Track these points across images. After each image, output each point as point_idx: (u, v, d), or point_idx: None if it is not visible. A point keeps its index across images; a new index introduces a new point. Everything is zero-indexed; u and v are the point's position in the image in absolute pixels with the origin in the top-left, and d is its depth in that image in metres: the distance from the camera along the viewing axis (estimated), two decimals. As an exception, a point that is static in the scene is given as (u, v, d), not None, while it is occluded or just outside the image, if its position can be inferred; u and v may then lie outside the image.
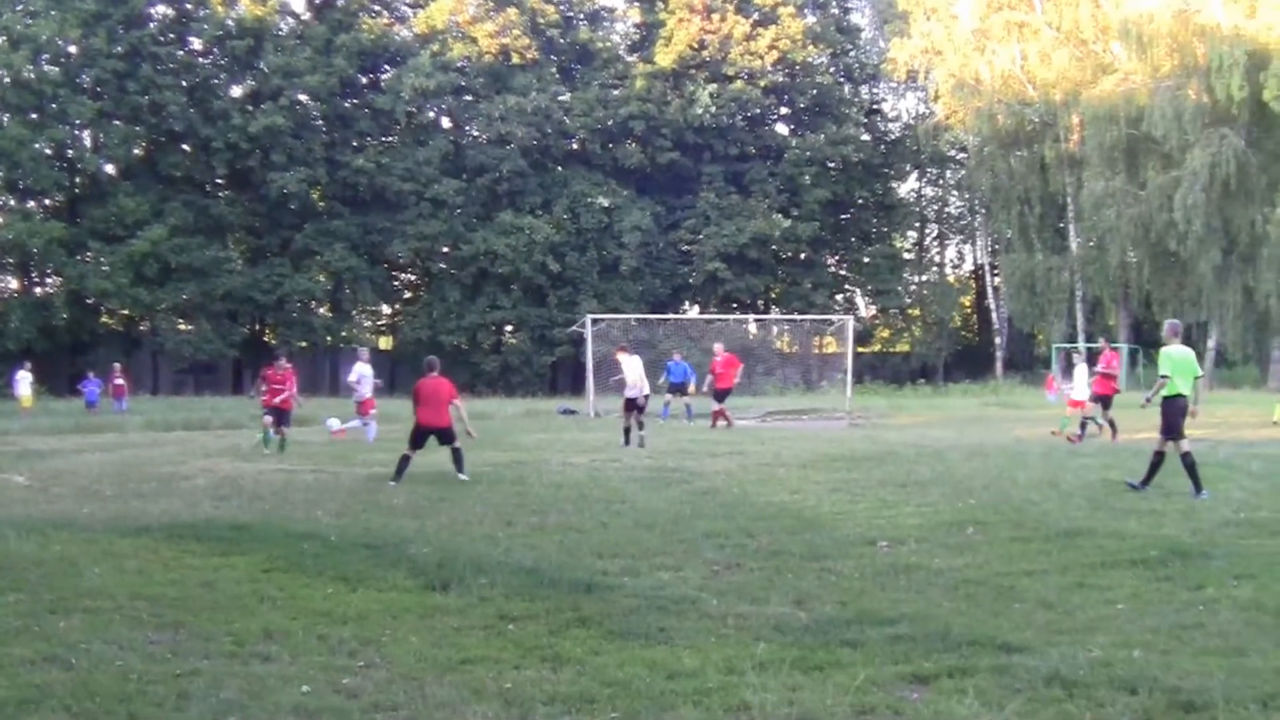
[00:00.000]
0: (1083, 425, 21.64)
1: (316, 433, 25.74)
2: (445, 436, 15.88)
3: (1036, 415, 29.00)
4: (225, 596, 8.27)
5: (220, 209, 53.35)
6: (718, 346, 27.78)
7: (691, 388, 29.91)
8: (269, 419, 20.65)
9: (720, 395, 26.42)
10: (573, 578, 8.71)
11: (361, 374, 22.48)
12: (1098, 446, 19.94)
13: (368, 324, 63.45)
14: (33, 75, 49.32)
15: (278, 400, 20.76)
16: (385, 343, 64.77)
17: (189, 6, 53.33)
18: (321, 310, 56.69)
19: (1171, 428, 13.32)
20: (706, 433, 24.86)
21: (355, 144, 56.21)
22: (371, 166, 54.04)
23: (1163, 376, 13.48)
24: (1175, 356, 13.56)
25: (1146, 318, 52.51)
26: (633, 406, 21.83)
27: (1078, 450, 19.20)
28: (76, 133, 52.13)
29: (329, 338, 55.03)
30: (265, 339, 57.41)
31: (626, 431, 21.44)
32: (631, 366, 22.42)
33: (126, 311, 52.37)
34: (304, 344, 54.23)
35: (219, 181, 55.52)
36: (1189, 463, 13.10)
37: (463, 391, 49.68)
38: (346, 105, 56.12)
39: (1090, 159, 49.40)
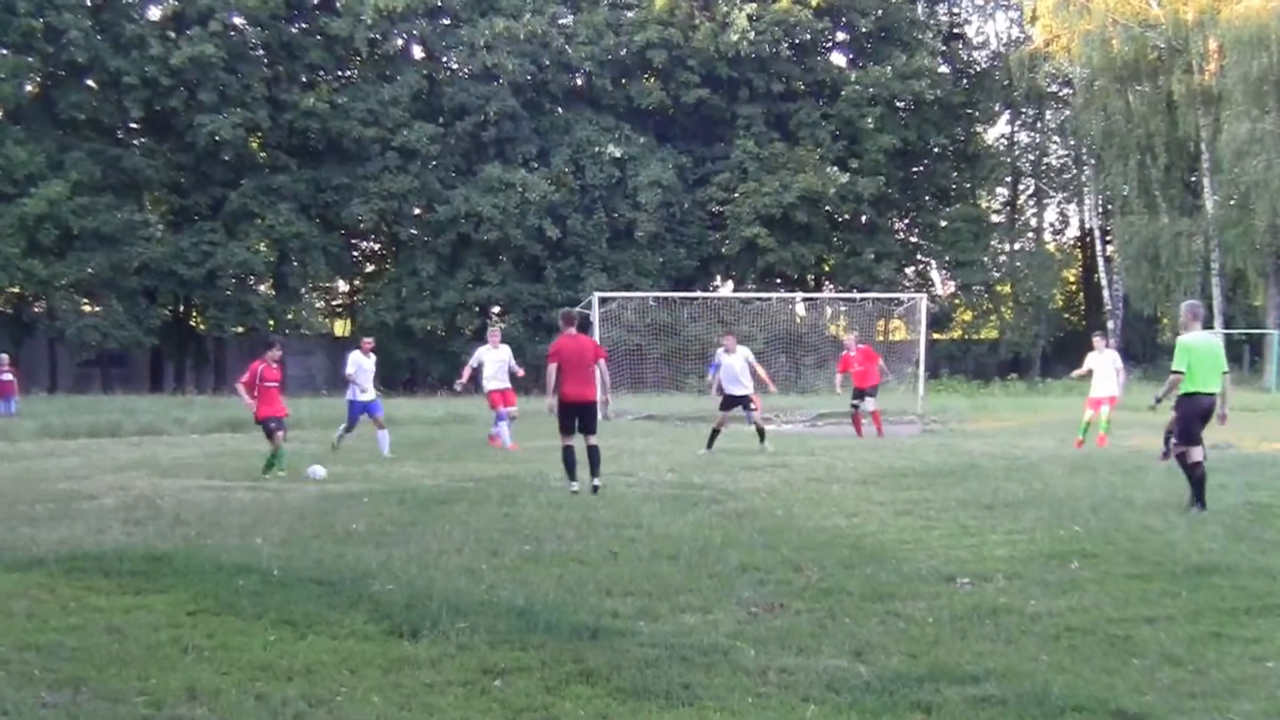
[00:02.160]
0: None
1: (255, 440, 25.82)
2: (588, 420, 16.13)
3: (1162, 421, 28.84)
4: (138, 646, 8.23)
5: (134, 161, 53.50)
6: (850, 337, 27.91)
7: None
8: (281, 433, 19.44)
9: (862, 394, 26.55)
10: (574, 621, 8.68)
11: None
12: (1237, 460, 19.84)
13: (320, 305, 63.71)
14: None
15: (277, 407, 19.64)
16: (341, 328, 65.01)
17: (95, -94, 53.52)
18: (262, 288, 56.87)
19: (1187, 432, 13.83)
20: (746, 441, 24.83)
21: (304, 79, 56.36)
22: (324, 108, 54.17)
23: (1176, 371, 13.86)
24: (1195, 347, 13.88)
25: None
26: (733, 404, 22.89)
27: (1211, 465, 19.13)
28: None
29: (271, 322, 55.21)
30: (192, 323, 57.68)
31: (713, 434, 22.44)
32: (731, 364, 22.99)
33: (16, 289, 52.59)
34: (239, 329, 54.43)
35: (133, 126, 55.73)
36: (1198, 475, 13.70)
37: (438, 389, 49.91)
38: (293, 31, 56.23)
39: (1231, 94, 49.17)
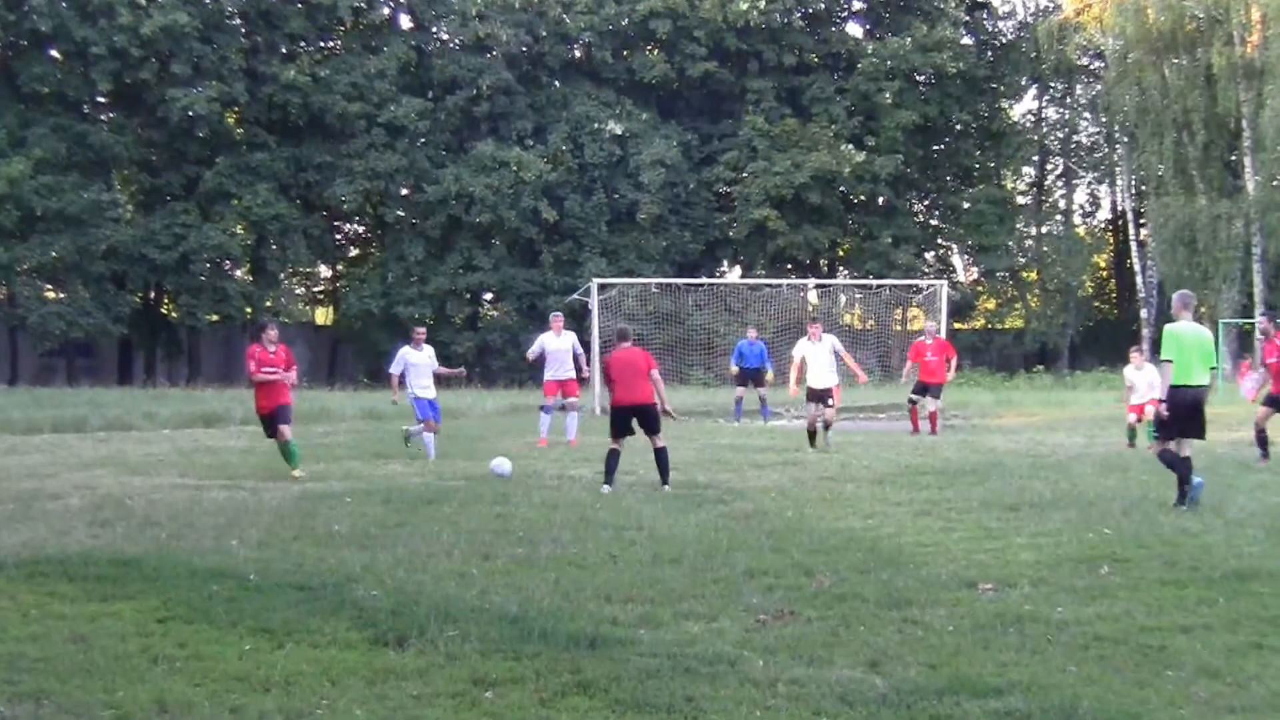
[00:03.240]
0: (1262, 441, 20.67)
1: (229, 435, 25.84)
2: (649, 420, 16.92)
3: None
4: (105, 656, 8.25)
5: (102, 137, 53.38)
6: (930, 325, 27.88)
7: (769, 376, 30.70)
8: (286, 429, 18.82)
9: (925, 390, 26.51)
10: (571, 629, 8.71)
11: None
12: (1278, 458, 19.84)
13: (300, 291, 63.73)
14: None
15: (277, 398, 18.91)
16: (323, 316, 65.06)
17: None
18: (239, 273, 56.77)
19: (1173, 424, 14.21)
20: (754, 438, 24.86)
21: (284, 51, 56.23)
22: (306, 81, 54.07)
23: (1166, 361, 14.20)
24: (1184, 336, 14.21)
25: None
26: (819, 398, 22.46)
27: (1251, 463, 19.13)
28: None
29: (248, 309, 55.13)
30: (163, 311, 57.67)
31: (811, 434, 22.23)
32: (818, 354, 22.62)
33: (-24, 274, 52.54)
34: (214, 317, 54.42)
35: (101, 100, 55.62)
36: (1180, 469, 14.20)
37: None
38: (272, -1, 56.20)
39: (1275, 68, 49.13)
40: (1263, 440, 19.66)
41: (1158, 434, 14.57)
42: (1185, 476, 14.20)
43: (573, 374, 24.07)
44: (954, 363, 27.30)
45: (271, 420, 18.89)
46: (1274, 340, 19.90)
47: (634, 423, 16.96)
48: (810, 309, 50.56)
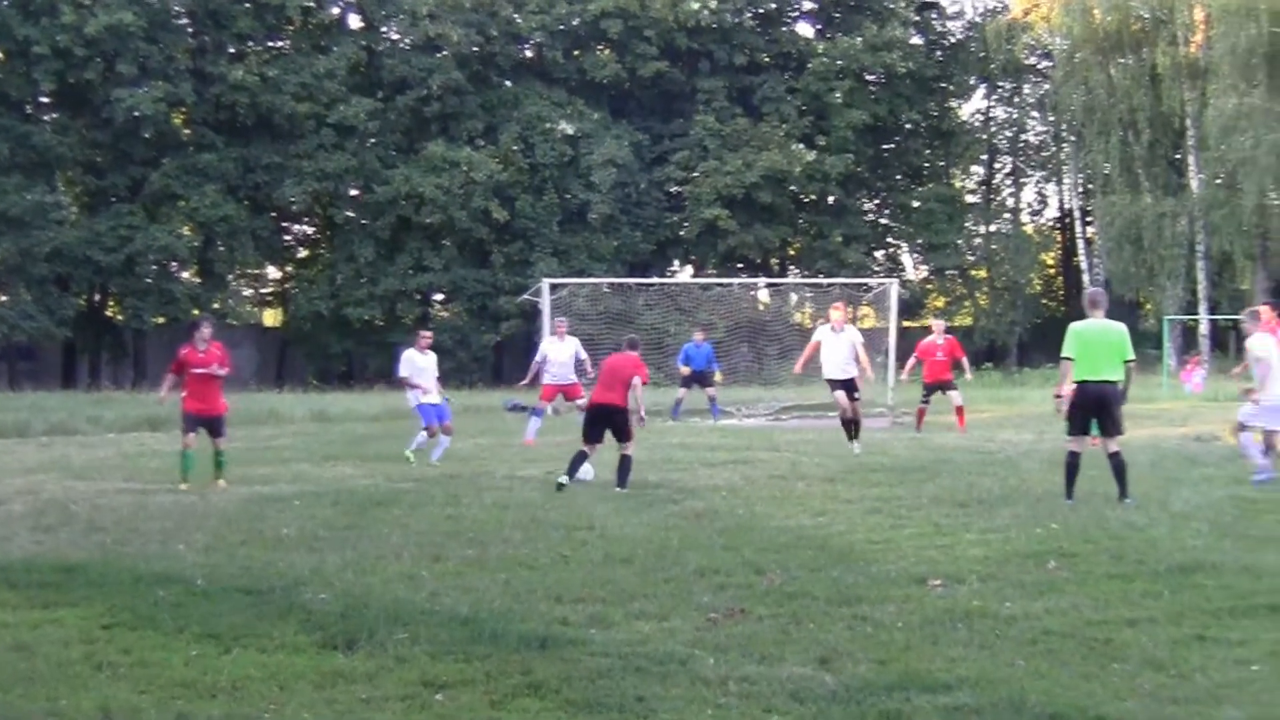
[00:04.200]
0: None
1: (177, 439, 25.62)
2: (619, 426, 16.84)
3: (1144, 411, 29.14)
4: (48, 664, 8.19)
5: (45, 138, 52.89)
6: (938, 324, 27.86)
7: (718, 376, 30.69)
8: (192, 435, 17.94)
9: (932, 390, 26.48)
10: (522, 630, 8.71)
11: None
12: (1223, 453, 20.00)
13: (248, 293, 63.33)
14: None
15: (207, 402, 18.05)
16: (272, 317, 64.70)
17: None
18: (186, 275, 56.41)
19: (1076, 419, 14.48)
20: (704, 436, 24.88)
21: (232, 50, 55.88)
22: (254, 81, 53.72)
23: (1064, 358, 14.55)
24: (1084, 333, 14.52)
25: (1295, 279, 52.67)
26: (844, 388, 21.27)
27: (1196, 458, 19.29)
28: None
29: (195, 311, 54.51)
30: (108, 313, 57.17)
31: (848, 425, 21.34)
32: (838, 345, 21.51)
33: (-85, 277, 52.00)
34: (160, 319, 53.97)
35: (44, 100, 55.15)
36: (1069, 463, 14.45)
37: (378, 382, 49.62)
38: (219, -2, 55.83)
39: (1218, 68, 49.52)
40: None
41: (1069, 431, 14.75)
42: (1071, 483, 14.41)
43: (574, 380, 23.94)
44: (965, 362, 27.38)
45: (198, 423, 17.93)
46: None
47: (606, 432, 16.89)
48: (762, 307, 50.69)
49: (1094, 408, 14.43)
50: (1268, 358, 16.72)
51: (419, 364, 21.08)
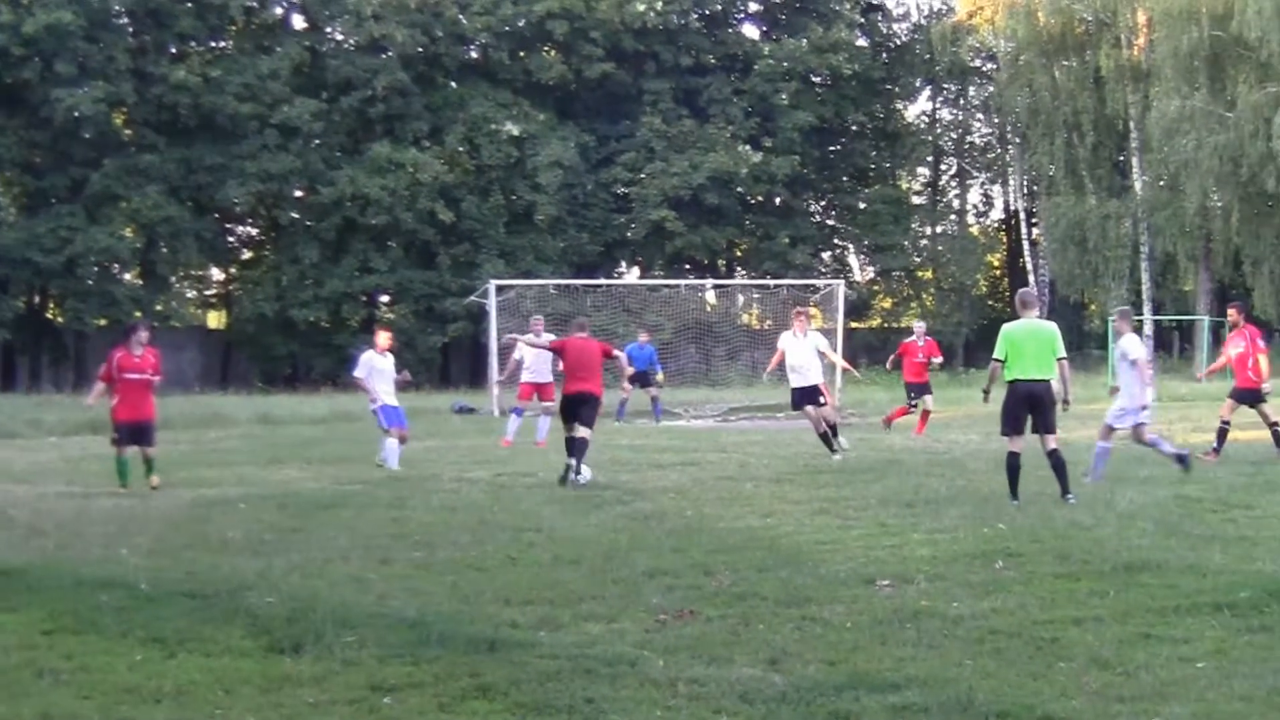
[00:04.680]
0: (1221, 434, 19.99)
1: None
2: (586, 414, 17.41)
3: (1089, 412, 29.29)
4: (-10, 668, 8.14)
5: (-16, 138, 52.54)
6: (919, 325, 27.94)
7: (660, 378, 30.70)
8: (151, 450, 17.85)
9: (915, 390, 26.52)
10: (470, 633, 8.69)
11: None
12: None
13: (192, 295, 62.86)
14: None
15: (138, 410, 17.71)
16: (215, 319, 64.29)
17: None
18: (127, 276, 55.99)
19: (1009, 418, 14.60)
20: (652, 438, 24.90)
21: (173, 50, 55.53)
22: (196, 81, 53.35)
23: (995, 360, 14.75)
24: (1013, 334, 14.66)
25: (1235, 281, 53.13)
26: (808, 398, 20.65)
27: (1141, 457, 19.44)
28: None
29: (138, 313, 54.06)
30: (49, 315, 56.68)
31: (824, 438, 20.46)
32: (802, 349, 20.96)
33: None
34: (102, 321, 53.51)
35: (-18, 101, 54.64)
36: (1010, 465, 14.47)
37: (324, 384, 49.36)
38: (161, -3, 55.44)
39: (1161, 70, 49.93)
40: (1222, 434, 19.33)
41: (1002, 431, 14.91)
42: (1014, 483, 14.50)
43: (550, 379, 23.59)
44: (938, 362, 27.53)
45: (129, 432, 17.60)
46: (1240, 330, 19.69)
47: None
48: (709, 308, 50.81)
49: (1027, 406, 14.56)
50: (1140, 360, 16.97)
51: (378, 366, 20.51)
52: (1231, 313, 20.29)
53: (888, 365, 28.89)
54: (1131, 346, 17.09)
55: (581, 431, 17.16)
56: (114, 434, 17.76)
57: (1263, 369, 19.36)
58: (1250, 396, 19.41)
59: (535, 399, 24.02)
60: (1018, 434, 14.58)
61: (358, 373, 20.61)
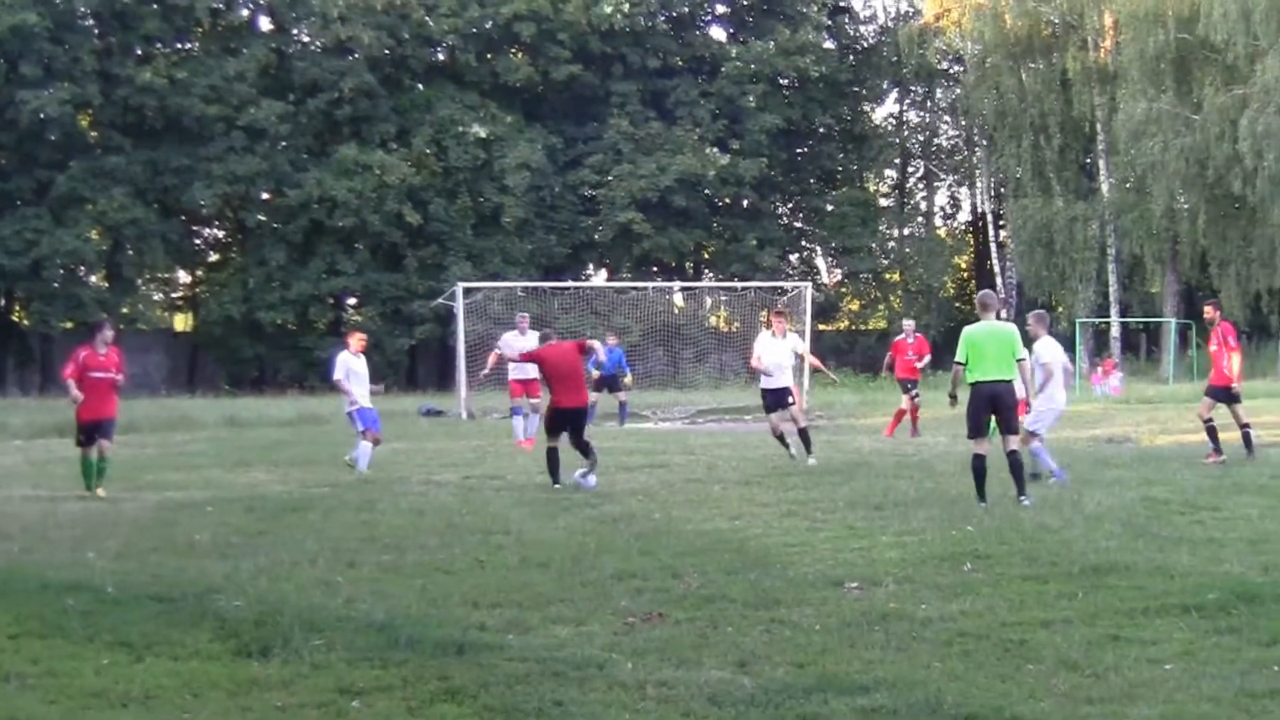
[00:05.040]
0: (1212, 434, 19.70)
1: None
2: (579, 426, 17.65)
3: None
4: (-45, 674, 8.08)
5: (-52, 140, 52.21)
6: (908, 323, 27.93)
7: (628, 380, 30.68)
8: (108, 444, 17.49)
9: (905, 386, 26.48)
10: (439, 636, 8.68)
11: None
12: (1134, 454, 20.27)
13: (158, 297, 62.55)
14: None
15: (101, 409, 17.43)
16: (182, 322, 64.01)
17: None
18: (94, 279, 55.81)
19: (973, 420, 14.72)
20: (620, 440, 24.89)
21: (139, 52, 55.27)
22: (163, 83, 53.14)
23: (957, 364, 14.85)
24: (973, 336, 14.78)
25: (1202, 283, 53.36)
26: (777, 400, 20.36)
27: (1108, 459, 19.52)
28: None
29: (104, 315, 54.04)
30: (14, 318, 56.35)
31: (780, 439, 20.26)
32: (780, 350, 20.69)
33: None
34: (68, 324, 53.24)
35: (-53, 103, 54.29)
36: (976, 467, 14.56)
37: (291, 387, 49.22)
38: (126, -1, 55.22)
39: (1128, 73, 50.13)
40: (1212, 433, 19.13)
41: (969, 433, 15.01)
42: (981, 485, 14.55)
43: (538, 376, 23.42)
44: (927, 359, 27.55)
45: (91, 431, 17.34)
46: (1215, 329, 19.53)
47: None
48: (677, 311, 50.83)
49: (990, 407, 14.63)
50: (1052, 363, 17.08)
51: (354, 368, 20.26)
52: (1208, 310, 20.18)
53: (883, 371, 28.81)
54: (1044, 350, 17.17)
55: (566, 441, 17.40)
56: (78, 435, 17.60)
57: (1234, 368, 19.31)
58: (1223, 395, 19.36)
59: (525, 395, 24.02)
60: (983, 436, 14.64)
61: (337, 375, 20.32)
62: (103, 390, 17.52)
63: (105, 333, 17.85)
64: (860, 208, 62.49)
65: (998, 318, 15.22)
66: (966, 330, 14.94)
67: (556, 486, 16.77)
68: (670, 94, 58.48)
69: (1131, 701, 7.16)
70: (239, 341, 54.98)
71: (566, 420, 17.46)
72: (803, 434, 20.28)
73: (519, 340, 23.64)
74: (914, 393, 26.39)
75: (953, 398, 15.21)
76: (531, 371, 22.96)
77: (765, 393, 20.62)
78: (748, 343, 50.28)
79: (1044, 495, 14.80)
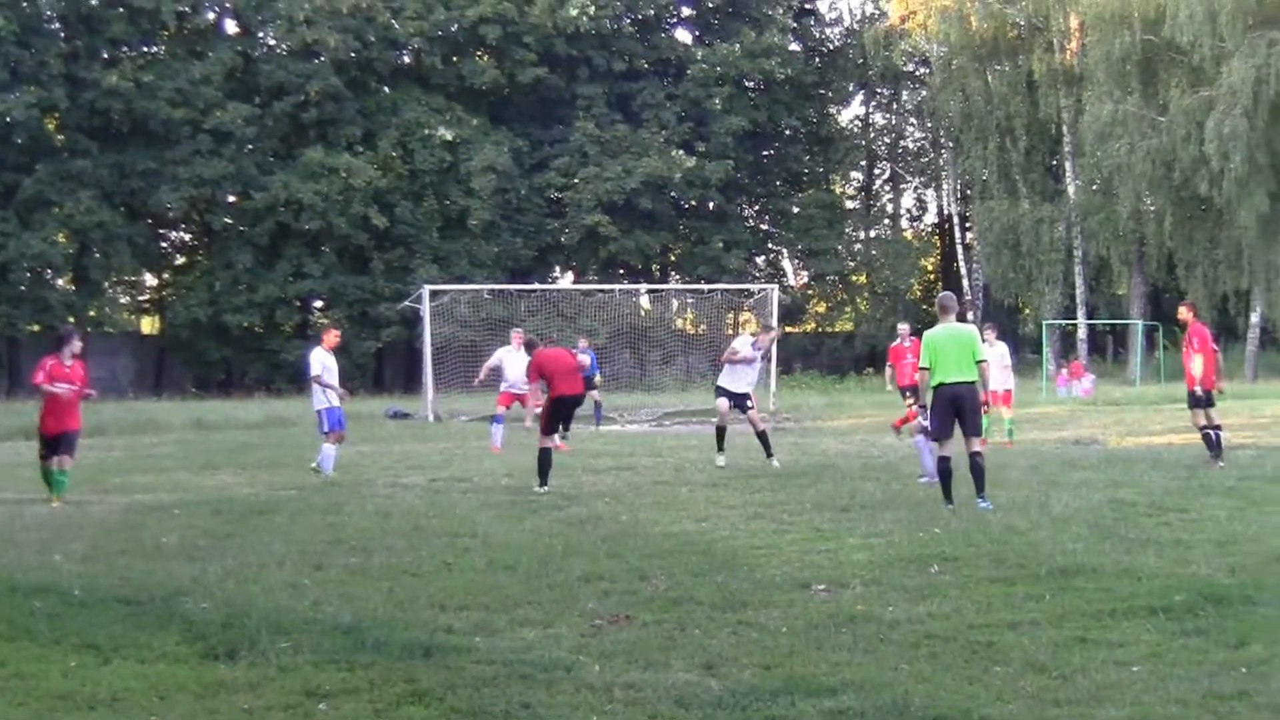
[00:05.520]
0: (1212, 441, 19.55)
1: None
2: (569, 413, 18.80)
3: (1024, 416, 29.59)
4: (-79, 677, 8.02)
5: (-86, 143, 51.87)
6: (903, 327, 27.72)
7: (599, 380, 30.70)
8: (68, 460, 17.10)
9: (907, 392, 26.30)
10: (406, 638, 8.66)
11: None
12: (1101, 456, 20.35)
13: (125, 300, 62.29)
14: None
15: (64, 421, 17.12)
16: (149, 325, 63.75)
17: None
18: (60, 282, 55.54)
19: (938, 422, 14.78)
20: (587, 442, 24.89)
21: (106, 55, 55.06)
22: (129, 86, 52.95)
23: (922, 369, 14.97)
24: (934, 339, 14.84)
25: (1169, 284, 53.65)
26: (737, 402, 20.36)
27: (1075, 461, 19.59)
28: None
29: (71, 319, 53.78)
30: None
31: (720, 433, 20.31)
32: (750, 353, 20.63)
33: None
34: (35, 327, 52.98)
35: (-88, 106, 53.94)
36: (941, 469, 14.69)
37: (258, 389, 49.16)
38: (93, 2, 54.86)
39: (1094, 75, 50.44)
40: (1207, 439, 18.91)
41: (931, 433, 15.21)
42: (947, 487, 14.56)
43: (528, 389, 23.44)
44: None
45: (55, 444, 17.00)
46: (1187, 333, 19.40)
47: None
48: (643, 313, 50.80)
49: (954, 409, 14.66)
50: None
51: (328, 364, 20.05)
52: (1182, 310, 20.01)
53: (886, 383, 28.50)
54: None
55: (557, 442, 17.90)
56: (41, 448, 17.26)
57: (1198, 370, 19.10)
58: (1203, 399, 19.06)
59: (516, 407, 24.03)
60: (948, 438, 14.67)
61: (314, 371, 20.05)
62: (66, 403, 17.14)
63: (73, 344, 17.44)
64: (826, 210, 62.67)
65: (958, 319, 15.28)
66: (928, 334, 14.98)
67: (544, 489, 16.69)
68: (636, 96, 58.55)
69: (1099, 703, 7.18)
70: (206, 344, 54.80)
71: (568, 408, 18.18)
72: (761, 436, 20.26)
73: (517, 359, 23.41)
74: (909, 402, 26.26)
75: (923, 407, 15.30)
76: (524, 387, 23.03)
77: (727, 390, 20.35)
78: (714, 345, 50.56)
79: (1011, 499, 14.83)
